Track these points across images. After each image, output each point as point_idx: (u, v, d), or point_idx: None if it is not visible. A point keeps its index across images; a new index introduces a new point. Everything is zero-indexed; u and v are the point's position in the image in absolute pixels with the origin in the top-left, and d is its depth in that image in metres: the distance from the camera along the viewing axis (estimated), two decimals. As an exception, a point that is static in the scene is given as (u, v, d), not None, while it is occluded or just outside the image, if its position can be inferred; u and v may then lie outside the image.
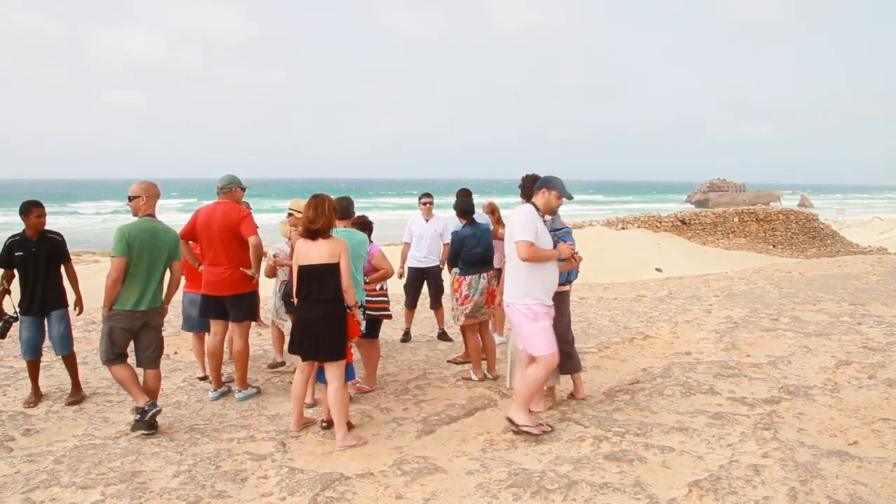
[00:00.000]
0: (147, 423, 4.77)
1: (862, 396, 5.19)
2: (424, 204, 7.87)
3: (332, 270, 4.60)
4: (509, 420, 4.67)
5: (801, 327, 7.75)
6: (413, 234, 7.83)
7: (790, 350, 6.74)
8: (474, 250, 5.98)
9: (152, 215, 5.00)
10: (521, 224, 4.53)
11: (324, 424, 4.90)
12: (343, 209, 5.54)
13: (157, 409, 4.83)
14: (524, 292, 4.54)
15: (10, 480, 4.09)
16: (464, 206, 6.20)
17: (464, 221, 6.17)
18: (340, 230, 5.48)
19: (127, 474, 4.10)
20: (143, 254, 4.81)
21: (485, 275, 6.02)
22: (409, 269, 7.88)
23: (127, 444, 4.67)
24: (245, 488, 3.92)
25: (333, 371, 4.66)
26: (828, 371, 5.93)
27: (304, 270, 4.63)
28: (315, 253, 4.59)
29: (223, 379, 5.90)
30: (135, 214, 4.96)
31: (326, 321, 4.61)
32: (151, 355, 5.02)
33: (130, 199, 4.96)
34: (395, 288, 8.32)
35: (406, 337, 7.87)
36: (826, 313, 8.57)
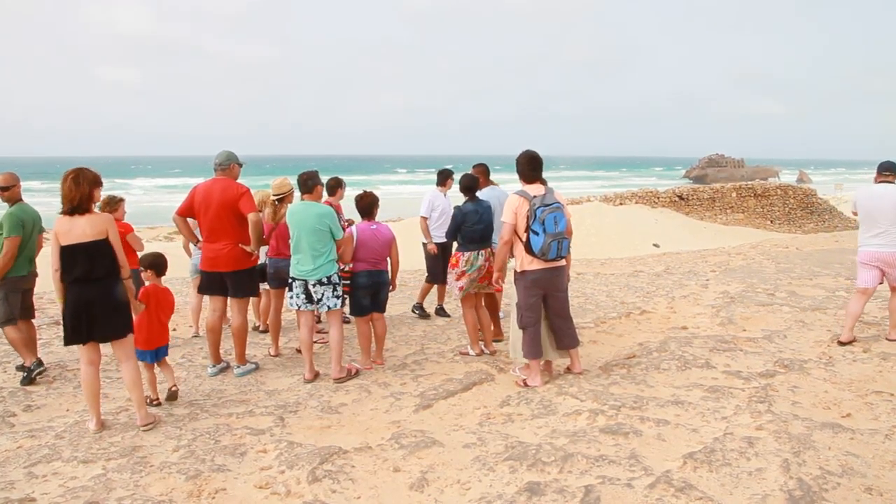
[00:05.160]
0: (30, 380, 5.54)
1: (856, 370, 5.24)
2: (451, 180, 7.72)
3: (99, 247, 4.37)
4: (842, 343, 5.91)
5: (798, 302, 7.79)
6: (434, 209, 7.59)
7: (786, 324, 6.78)
8: (475, 227, 6.00)
9: (20, 199, 5.82)
10: None
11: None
12: (302, 183, 5.53)
13: (43, 367, 5.70)
14: None
15: (13, 455, 4.13)
16: (468, 182, 6.20)
17: (466, 197, 6.17)
18: (299, 203, 5.50)
19: (127, 449, 4.15)
20: (28, 230, 5.70)
21: (483, 252, 6.04)
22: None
23: (127, 419, 4.71)
24: (244, 462, 3.97)
25: (120, 351, 4.53)
26: (823, 345, 5.98)
27: (67, 250, 4.33)
28: (77, 231, 4.31)
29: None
30: (11, 201, 5.70)
31: (103, 300, 4.40)
32: (29, 310, 5.88)
33: (4, 189, 5.66)
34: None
35: (424, 313, 7.85)
36: (822, 288, 8.61)
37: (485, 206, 6.12)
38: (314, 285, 5.39)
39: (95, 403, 4.54)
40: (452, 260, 6.15)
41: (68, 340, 4.44)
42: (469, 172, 6.47)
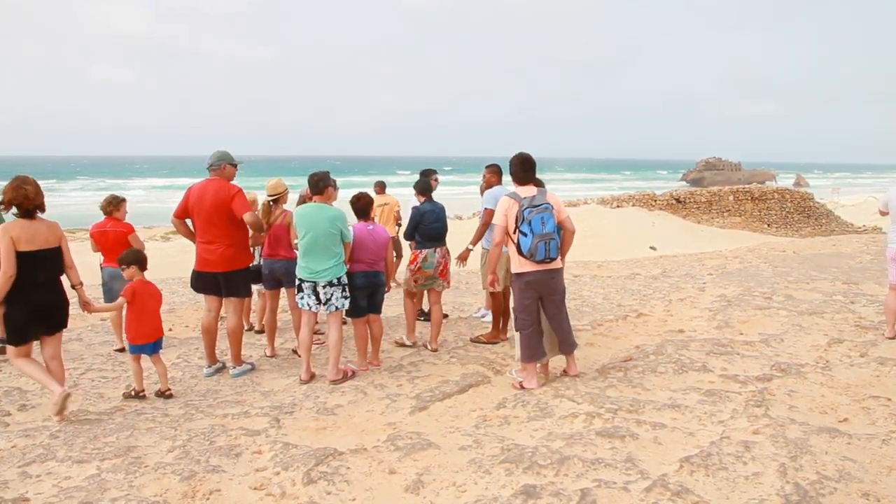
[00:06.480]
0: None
1: (853, 374, 5.23)
2: (434, 180, 7.76)
3: (59, 253, 4.67)
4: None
5: (795, 306, 7.79)
6: None
7: (783, 328, 6.78)
8: (433, 225, 6.37)
9: None
10: None
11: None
12: (313, 184, 5.54)
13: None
14: None
15: (7, 455, 4.10)
16: (423, 185, 6.63)
17: (422, 199, 6.51)
18: (311, 205, 5.49)
19: (122, 449, 4.13)
20: None
21: (438, 250, 6.39)
22: None
23: (122, 419, 4.70)
24: (239, 463, 3.95)
25: (56, 340, 4.81)
26: (820, 349, 5.97)
27: (30, 256, 4.48)
28: (41, 238, 4.54)
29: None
30: None
31: (62, 299, 4.75)
32: None
33: None
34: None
35: (426, 316, 7.82)
36: (819, 292, 8.62)
37: (439, 206, 6.53)
38: (325, 286, 5.40)
39: (47, 376, 4.64)
40: (411, 256, 6.43)
41: (16, 340, 4.60)
42: (424, 177, 6.92)
